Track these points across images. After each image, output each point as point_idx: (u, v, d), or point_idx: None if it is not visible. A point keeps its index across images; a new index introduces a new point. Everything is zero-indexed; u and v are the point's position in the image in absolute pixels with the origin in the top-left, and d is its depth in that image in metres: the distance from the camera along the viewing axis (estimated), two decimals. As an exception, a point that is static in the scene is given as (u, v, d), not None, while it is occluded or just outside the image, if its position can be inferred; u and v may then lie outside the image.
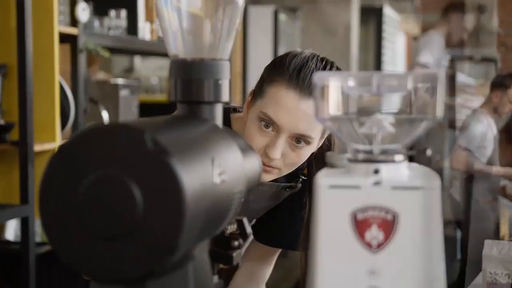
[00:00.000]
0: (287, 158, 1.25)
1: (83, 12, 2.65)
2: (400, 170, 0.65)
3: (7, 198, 2.55)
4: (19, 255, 2.47)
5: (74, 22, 2.69)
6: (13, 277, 2.53)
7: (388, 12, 7.79)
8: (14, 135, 2.44)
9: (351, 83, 0.65)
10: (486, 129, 3.95)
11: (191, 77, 0.74)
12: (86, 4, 2.71)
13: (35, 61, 2.42)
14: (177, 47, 0.76)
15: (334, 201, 0.64)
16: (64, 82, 2.58)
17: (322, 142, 1.31)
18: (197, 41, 0.76)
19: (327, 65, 1.27)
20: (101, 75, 4.17)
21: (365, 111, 0.67)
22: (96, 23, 3.04)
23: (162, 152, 0.57)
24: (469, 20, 8.63)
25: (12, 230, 2.70)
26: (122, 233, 0.58)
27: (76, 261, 0.60)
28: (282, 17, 5.49)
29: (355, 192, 0.64)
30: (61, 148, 0.60)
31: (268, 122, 1.23)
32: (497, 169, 3.97)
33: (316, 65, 1.25)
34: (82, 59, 2.71)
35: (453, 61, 4.44)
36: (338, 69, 1.30)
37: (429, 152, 4.53)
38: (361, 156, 0.67)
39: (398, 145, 0.67)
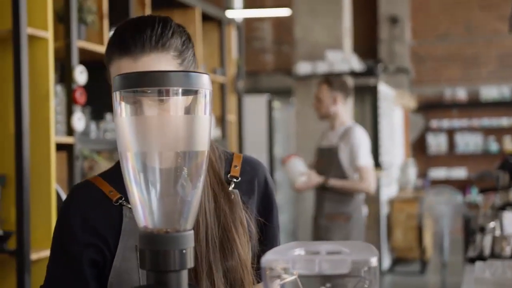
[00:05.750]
0: None
1: (79, 121, 2.76)
2: None
3: (4, 307, 2.59)
4: None
5: (70, 130, 2.79)
6: None
7: (383, 88, 7.94)
8: (11, 243, 2.51)
9: (297, 265, 0.73)
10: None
11: (158, 248, 0.83)
12: (82, 113, 2.83)
13: (32, 171, 2.51)
14: (146, 220, 0.84)
15: None
16: (60, 190, 2.67)
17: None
18: (163, 215, 0.84)
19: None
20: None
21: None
22: (93, 126, 3.15)
23: None
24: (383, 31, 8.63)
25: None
26: None
27: None
28: (276, 104, 5.64)
29: None
30: None
31: None
32: (333, 182, 3.80)
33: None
34: (78, 166, 2.80)
35: None
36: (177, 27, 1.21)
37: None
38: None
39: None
